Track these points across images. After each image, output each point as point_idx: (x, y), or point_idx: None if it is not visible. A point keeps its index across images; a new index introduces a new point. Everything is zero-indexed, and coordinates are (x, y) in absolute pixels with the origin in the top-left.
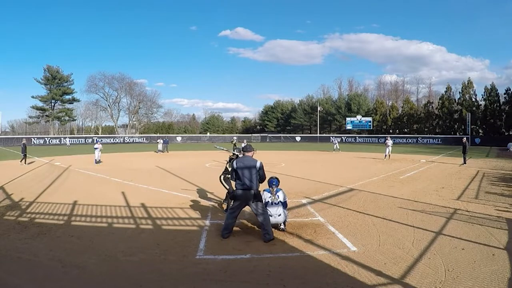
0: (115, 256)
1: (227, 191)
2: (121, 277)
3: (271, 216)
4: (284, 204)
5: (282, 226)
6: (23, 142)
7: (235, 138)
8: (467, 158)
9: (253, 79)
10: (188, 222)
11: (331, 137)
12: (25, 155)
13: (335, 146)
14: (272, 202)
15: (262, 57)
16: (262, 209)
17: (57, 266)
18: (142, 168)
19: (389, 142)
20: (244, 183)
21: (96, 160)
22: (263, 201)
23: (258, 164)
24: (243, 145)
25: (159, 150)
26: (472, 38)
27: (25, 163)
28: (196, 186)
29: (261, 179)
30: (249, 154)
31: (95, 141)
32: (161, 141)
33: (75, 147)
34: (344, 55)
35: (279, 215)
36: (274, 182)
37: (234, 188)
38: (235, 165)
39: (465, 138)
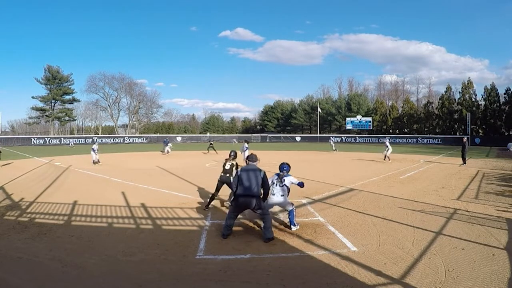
0: (115, 256)
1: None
2: (121, 277)
3: (273, 195)
4: (299, 183)
5: (293, 228)
6: None
7: (234, 140)
8: (466, 158)
9: (253, 79)
10: (188, 222)
11: (330, 138)
12: None
13: (333, 146)
14: (277, 184)
15: (262, 58)
16: (264, 211)
17: (57, 266)
18: (142, 168)
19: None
20: (247, 189)
21: (94, 160)
22: (271, 182)
23: (262, 173)
24: (245, 145)
25: (167, 151)
26: (471, 39)
27: None
28: (196, 186)
29: (265, 187)
30: (254, 163)
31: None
32: (170, 144)
33: (75, 147)
34: (343, 55)
35: (282, 195)
36: (285, 168)
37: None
38: (239, 172)
39: (465, 138)
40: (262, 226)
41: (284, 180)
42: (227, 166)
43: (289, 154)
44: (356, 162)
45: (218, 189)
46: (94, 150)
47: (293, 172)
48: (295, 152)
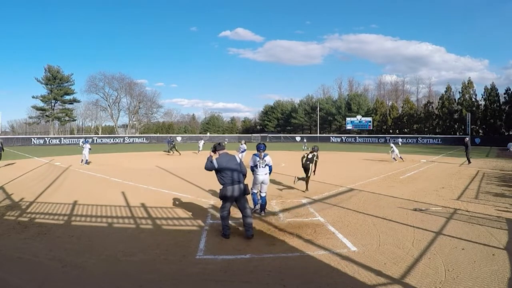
0: (115, 256)
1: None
2: (121, 277)
3: (258, 175)
4: (269, 168)
5: (259, 210)
6: None
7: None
8: (470, 158)
9: (253, 79)
10: (188, 222)
11: (303, 139)
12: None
13: (304, 146)
14: (259, 165)
15: (262, 58)
16: (248, 207)
17: (57, 266)
18: (142, 168)
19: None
20: (232, 178)
21: (83, 159)
22: (254, 163)
23: (237, 159)
24: (241, 145)
25: (199, 150)
26: (470, 39)
27: None
28: (196, 186)
29: (244, 172)
30: (223, 152)
31: (84, 142)
32: (202, 141)
33: (74, 147)
34: (343, 55)
35: (266, 174)
36: (261, 148)
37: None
38: (216, 165)
39: (467, 138)
40: (246, 224)
41: (265, 160)
42: (310, 156)
43: (289, 154)
44: (356, 162)
45: (305, 170)
46: (89, 149)
47: (293, 171)
48: (295, 152)
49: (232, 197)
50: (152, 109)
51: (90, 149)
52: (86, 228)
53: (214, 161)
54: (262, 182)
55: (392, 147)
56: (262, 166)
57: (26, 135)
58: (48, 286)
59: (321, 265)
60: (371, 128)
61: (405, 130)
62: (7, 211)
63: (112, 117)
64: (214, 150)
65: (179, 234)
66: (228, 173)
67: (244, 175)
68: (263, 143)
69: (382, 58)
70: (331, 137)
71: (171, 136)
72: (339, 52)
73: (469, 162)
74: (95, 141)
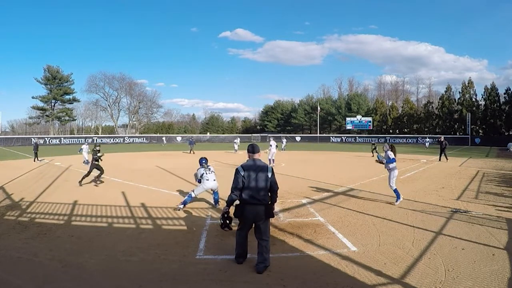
0: (115, 256)
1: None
2: (121, 277)
3: (207, 180)
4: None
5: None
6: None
7: (237, 140)
8: (442, 156)
9: (253, 79)
10: (188, 222)
11: (282, 137)
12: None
13: (283, 145)
14: (207, 173)
15: (262, 58)
16: (268, 232)
17: (57, 266)
18: (142, 168)
19: (274, 144)
20: (254, 196)
21: (86, 160)
22: (199, 176)
23: (269, 170)
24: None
25: (236, 150)
26: (470, 39)
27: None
28: (196, 186)
29: (274, 188)
30: (258, 156)
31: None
32: (238, 140)
33: (74, 147)
34: (343, 55)
35: (214, 180)
36: (203, 161)
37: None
38: (242, 172)
39: (442, 138)
40: (261, 252)
41: (210, 168)
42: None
43: (289, 154)
44: (356, 162)
45: None
46: (81, 150)
47: (293, 171)
48: (295, 152)
49: (251, 219)
50: (152, 109)
51: (81, 149)
52: (86, 228)
53: (241, 170)
54: (211, 187)
55: (270, 145)
56: (208, 172)
57: (26, 135)
58: (48, 286)
59: (321, 265)
60: (371, 128)
61: (405, 130)
62: (7, 211)
63: (112, 117)
64: (248, 151)
65: (179, 234)
66: (249, 187)
67: (274, 197)
68: (205, 157)
69: (381, 59)
70: (331, 137)
71: (192, 137)
72: (338, 53)
73: (440, 160)
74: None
